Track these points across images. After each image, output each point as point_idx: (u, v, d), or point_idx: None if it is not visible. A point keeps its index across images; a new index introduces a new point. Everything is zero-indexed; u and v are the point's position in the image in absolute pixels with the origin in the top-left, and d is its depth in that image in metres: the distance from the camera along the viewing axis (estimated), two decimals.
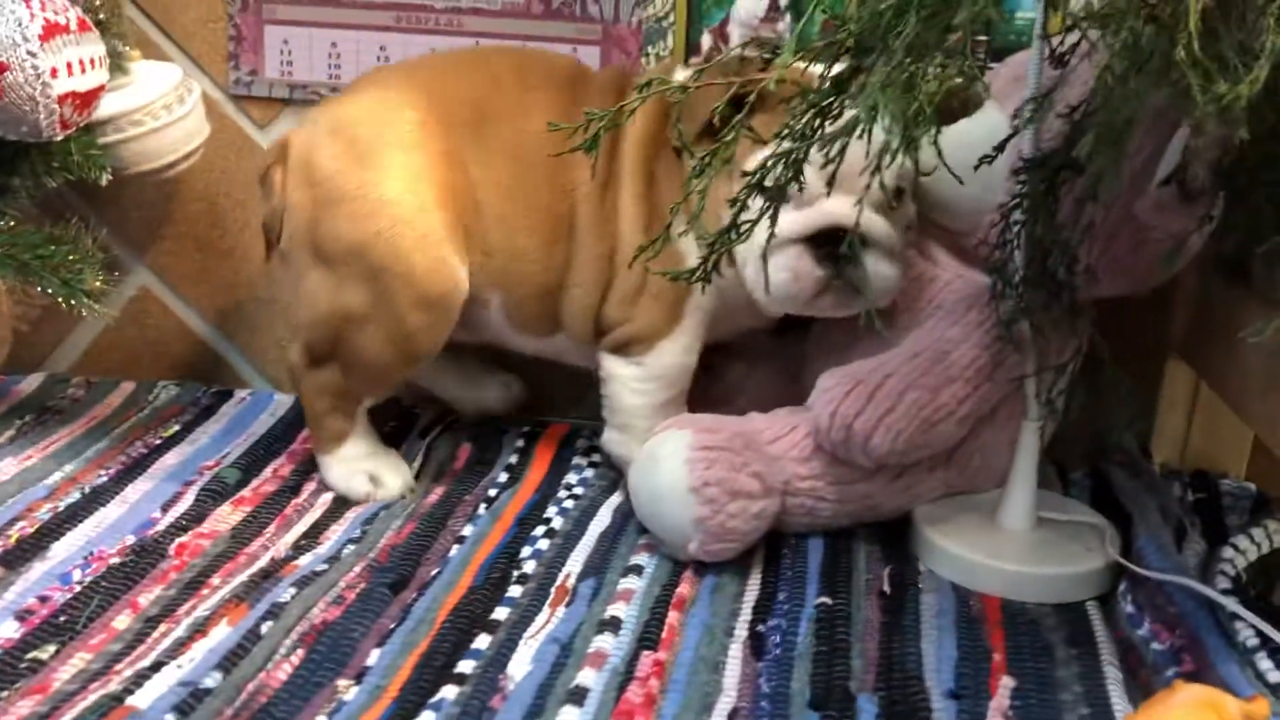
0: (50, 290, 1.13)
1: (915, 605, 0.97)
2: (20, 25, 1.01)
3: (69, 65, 1.03)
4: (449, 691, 0.83)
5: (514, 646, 0.89)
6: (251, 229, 1.41)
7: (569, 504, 1.14)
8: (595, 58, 1.29)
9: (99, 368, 1.47)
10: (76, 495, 1.13)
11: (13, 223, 1.14)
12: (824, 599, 0.97)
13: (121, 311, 1.45)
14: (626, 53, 1.28)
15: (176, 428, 1.29)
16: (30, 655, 0.86)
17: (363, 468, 1.16)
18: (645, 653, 0.89)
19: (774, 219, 0.84)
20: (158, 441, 1.26)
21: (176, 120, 1.24)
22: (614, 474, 1.20)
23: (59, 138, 1.08)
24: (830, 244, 0.98)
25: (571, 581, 0.99)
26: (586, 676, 0.85)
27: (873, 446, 1.00)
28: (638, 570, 1.01)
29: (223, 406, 1.36)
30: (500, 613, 0.94)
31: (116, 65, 1.20)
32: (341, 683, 0.85)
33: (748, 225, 0.84)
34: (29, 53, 1.01)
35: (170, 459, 1.22)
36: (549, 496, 1.16)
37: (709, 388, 1.21)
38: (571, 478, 1.20)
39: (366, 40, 1.33)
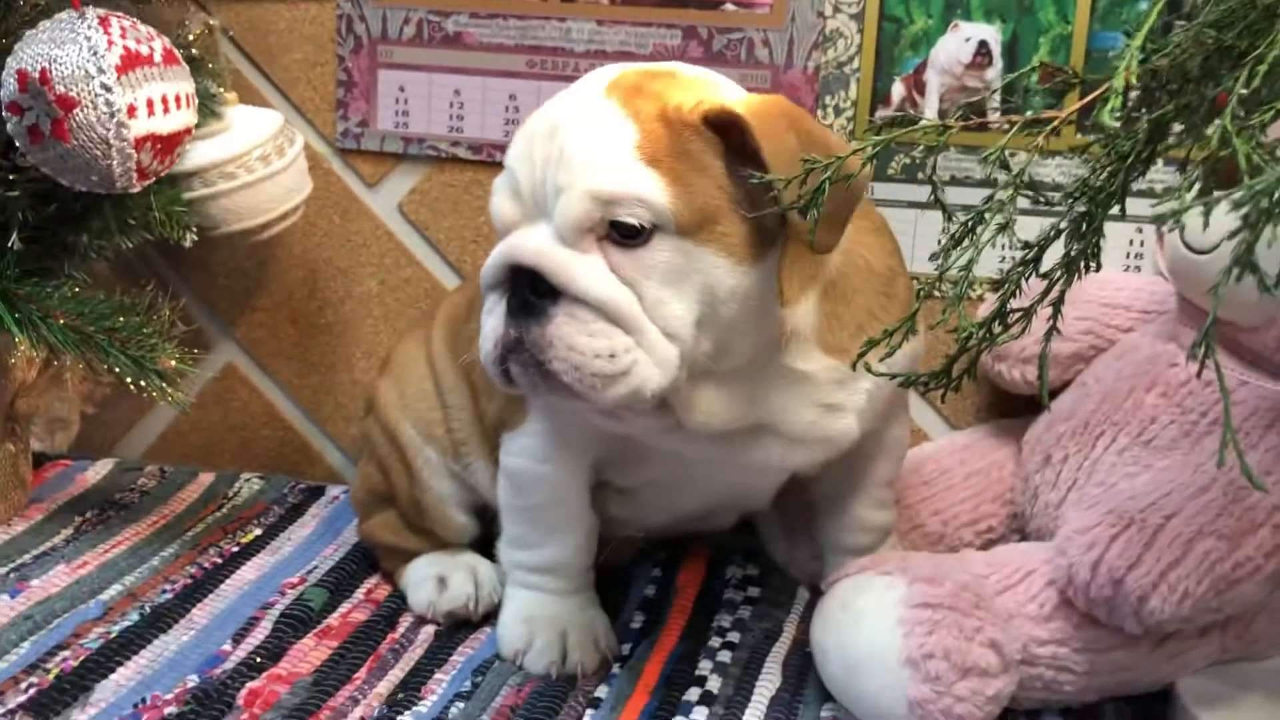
0: (118, 369, 0.95)
1: None
2: (95, 54, 0.84)
3: (149, 102, 0.86)
4: None
5: None
6: (354, 300, 1.22)
7: (725, 657, 0.91)
8: None
9: (175, 454, 1.29)
10: (135, 617, 0.94)
11: (77, 289, 0.96)
12: None
13: (204, 391, 1.27)
14: (800, 103, 1.08)
15: (257, 532, 1.10)
16: None
17: (432, 572, 0.98)
18: None
19: (1058, 306, 0.61)
20: (235, 549, 1.06)
21: (274, 174, 1.06)
22: (777, 614, 0.97)
23: (136, 189, 0.90)
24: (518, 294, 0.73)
25: None
26: None
27: (1150, 610, 0.75)
28: None
29: (311, 506, 1.16)
30: None
31: (208, 109, 1.03)
32: None
33: (1019, 314, 0.62)
34: (103, 86, 0.84)
35: (248, 572, 1.02)
36: (699, 646, 0.93)
37: None
38: (724, 619, 0.97)
39: (494, 88, 1.14)
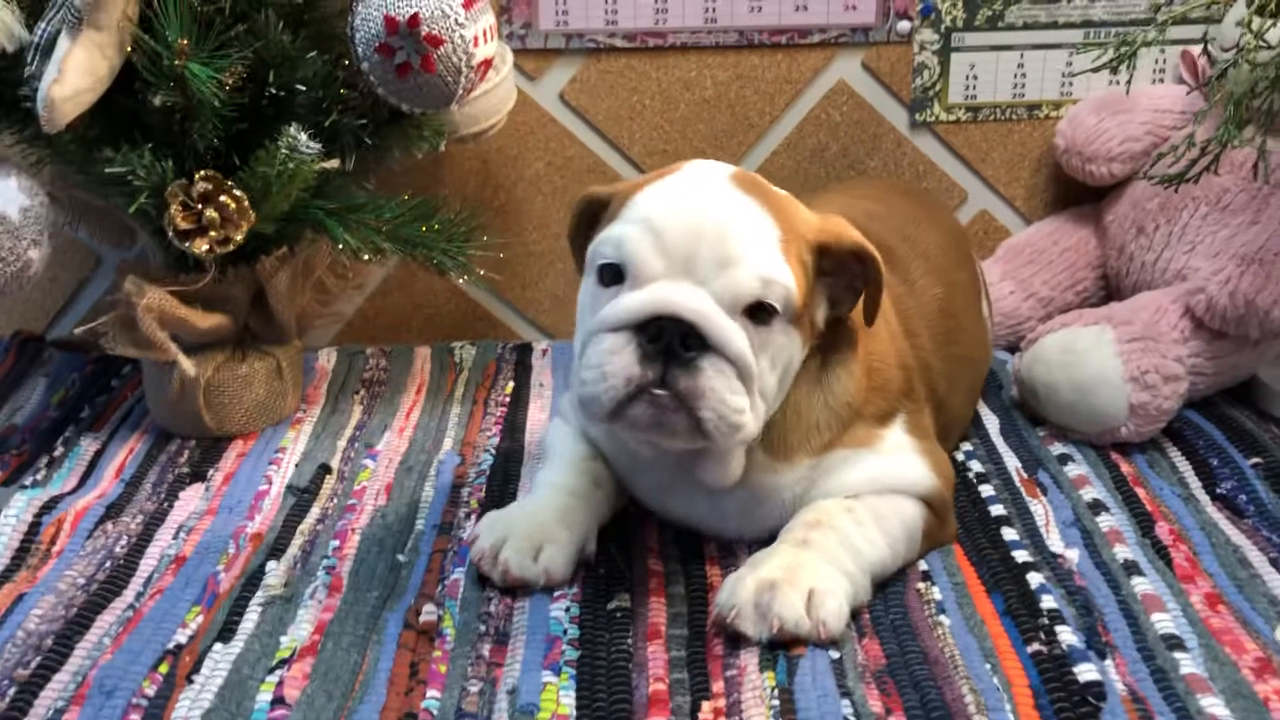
0: (436, 263, 1.14)
1: None
2: None
3: (484, 33, 1.04)
4: (1032, 579, 0.91)
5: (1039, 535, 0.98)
6: (525, 181, 1.42)
7: None
8: None
9: (365, 336, 1.46)
10: (487, 457, 1.14)
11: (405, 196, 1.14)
12: (1255, 459, 1.08)
13: (389, 277, 1.44)
14: None
15: (512, 383, 1.31)
16: None
17: None
18: (1154, 525, 0.98)
19: None
20: (507, 398, 1.28)
21: (499, 84, 1.24)
22: None
23: (459, 107, 1.08)
24: (661, 341, 0.79)
25: (1024, 474, 1.08)
26: (1124, 551, 0.95)
27: (1274, 318, 1.11)
28: (1068, 459, 1.10)
29: (530, 360, 1.38)
30: (995, 509, 1.02)
31: None
32: None
33: None
34: (458, 23, 1.01)
35: (536, 413, 1.24)
36: None
37: None
38: None
39: None
